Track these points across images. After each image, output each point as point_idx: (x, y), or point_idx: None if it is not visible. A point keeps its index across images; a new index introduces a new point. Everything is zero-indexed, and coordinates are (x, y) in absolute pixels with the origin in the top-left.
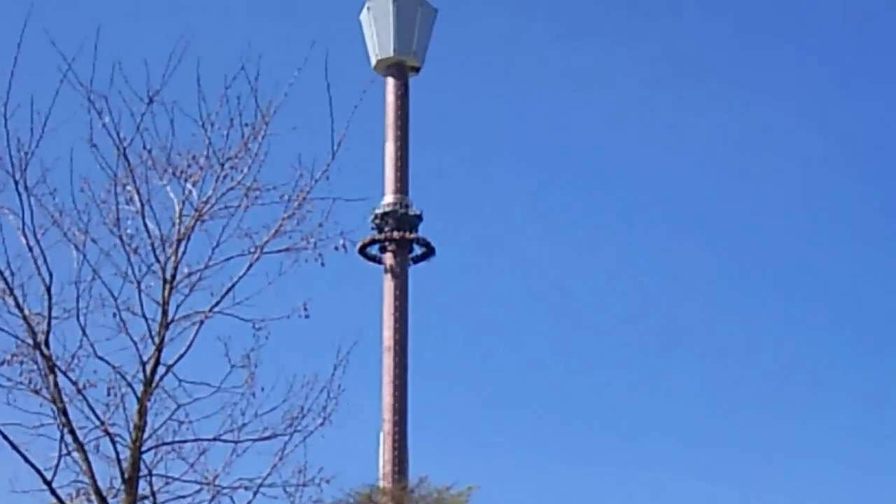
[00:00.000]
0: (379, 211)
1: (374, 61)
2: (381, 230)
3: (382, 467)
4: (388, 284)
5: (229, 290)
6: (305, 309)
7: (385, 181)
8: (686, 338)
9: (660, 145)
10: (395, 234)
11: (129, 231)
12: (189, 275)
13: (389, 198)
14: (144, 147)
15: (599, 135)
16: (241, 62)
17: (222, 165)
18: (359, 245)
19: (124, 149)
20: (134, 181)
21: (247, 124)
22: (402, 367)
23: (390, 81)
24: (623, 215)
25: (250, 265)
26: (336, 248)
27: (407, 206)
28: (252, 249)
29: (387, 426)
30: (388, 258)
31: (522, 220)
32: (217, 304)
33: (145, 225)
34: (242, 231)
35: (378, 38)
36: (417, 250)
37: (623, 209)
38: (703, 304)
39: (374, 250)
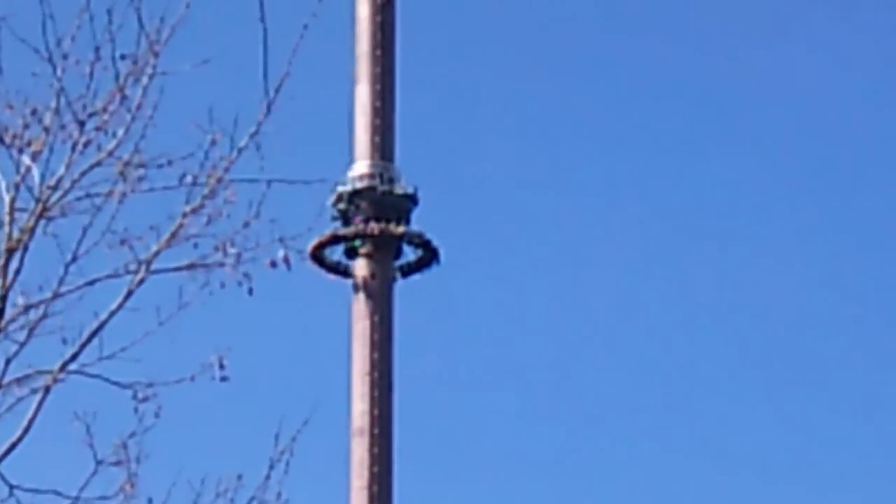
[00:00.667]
0: (344, 189)
1: None
2: (347, 220)
3: None
4: (360, 313)
5: (94, 334)
6: (222, 366)
7: (354, 143)
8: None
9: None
10: (372, 227)
11: None
12: (26, 309)
13: (362, 167)
14: None
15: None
16: None
17: (81, 125)
18: (311, 246)
19: None
20: None
21: (123, 57)
22: (383, 459)
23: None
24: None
25: (129, 293)
26: (273, 265)
27: (391, 181)
28: (132, 266)
29: None
30: (361, 267)
31: (569, 195)
32: (73, 357)
33: None
34: (116, 236)
35: None
36: (408, 253)
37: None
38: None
39: (335, 254)
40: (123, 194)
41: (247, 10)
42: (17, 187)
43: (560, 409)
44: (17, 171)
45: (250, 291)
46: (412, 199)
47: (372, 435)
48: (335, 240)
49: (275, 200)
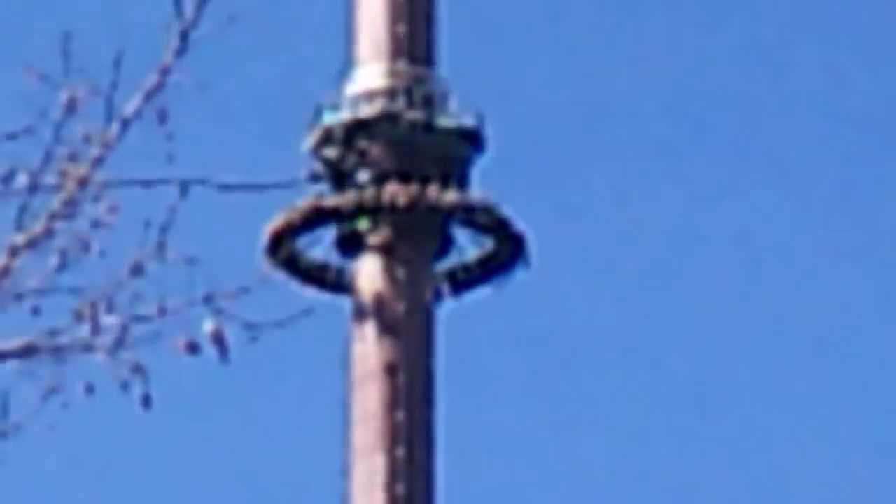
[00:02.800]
0: (337, 119)
1: None
2: (341, 179)
3: None
4: (370, 353)
5: None
6: None
7: (356, 31)
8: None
9: None
10: (395, 192)
11: None
12: None
13: (373, 74)
14: None
15: None
16: None
17: None
18: (270, 229)
19: None
20: None
21: None
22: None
23: None
24: None
25: None
26: (191, 349)
27: (429, 101)
28: None
29: None
30: (368, 272)
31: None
32: None
33: None
34: None
35: None
36: (466, 245)
37: None
38: None
39: (317, 246)
40: None
41: None
42: None
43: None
44: None
45: (146, 401)
46: (473, 140)
47: None
48: (317, 217)
49: (196, 223)
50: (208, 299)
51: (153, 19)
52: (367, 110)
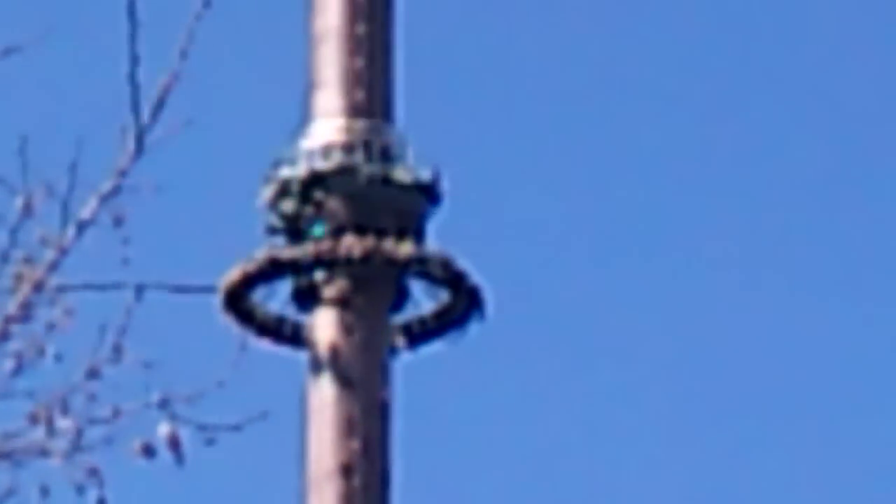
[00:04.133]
0: (295, 172)
1: None
2: (297, 233)
3: None
4: (326, 409)
5: None
6: None
7: (315, 86)
8: None
9: None
10: (351, 245)
11: None
12: None
13: (330, 129)
14: None
15: None
16: None
17: None
18: (227, 283)
19: None
20: None
21: None
22: None
23: None
24: None
25: None
26: (146, 452)
27: (386, 153)
28: None
29: None
30: (325, 326)
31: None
32: None
33: None
34: None
35: None
36: (421, 298)
37: None
38: None
39: (273, 299)
40: None
41: None
42: None
43: None
44: None
45: None
46: (429, 194)
47: None
48: (274, 269)
49: (152, 326)
50: (164, 403)
51: (109, 123)
52: (324, 163)
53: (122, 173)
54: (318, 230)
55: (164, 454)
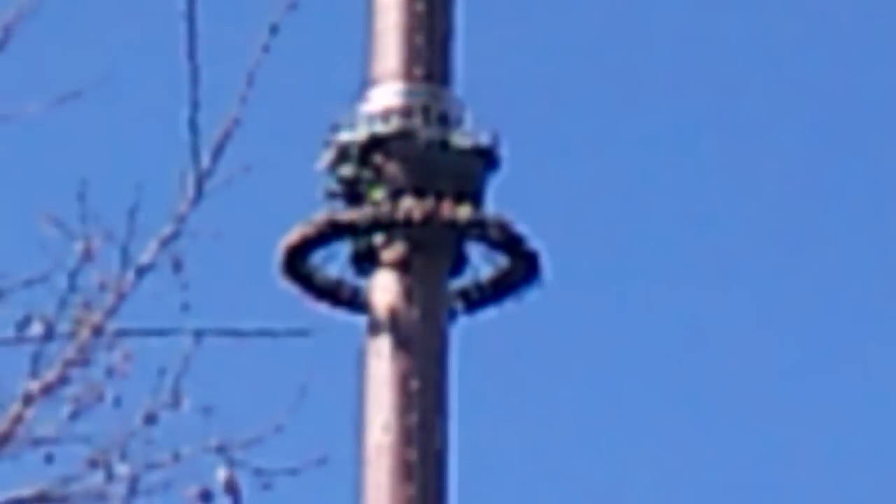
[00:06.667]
0: (354, 136)
1: None
2: (355, 195)
3: None
4: (383, 369)
5: None
6: None
7: (373, 51)
8: None
9: None
10: (410, 208)
11: None
12: None
13: (389, 93)
14: None
15: None
16: None
17: None
18: (285, 246)
19: None
20: None
21: None
22: None
23: None
24: None
25: None
26: (204, 499)
27: (444, 119)
28: None
29: None
30: (383, 287)
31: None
32: None
33: None
34: None
35: None
36: (479, 262)
37: None
38: None
39: (332, 263)
40: None
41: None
42: None
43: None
44: None
45: None
46: (488, 158)
47: None
48: (333, 232)
49: (210, 371)
50: (221, 448)
51: (169, 168)
52: (384, 127)
53: (182, 218)
54: (378, 193)
55: (222, 500)
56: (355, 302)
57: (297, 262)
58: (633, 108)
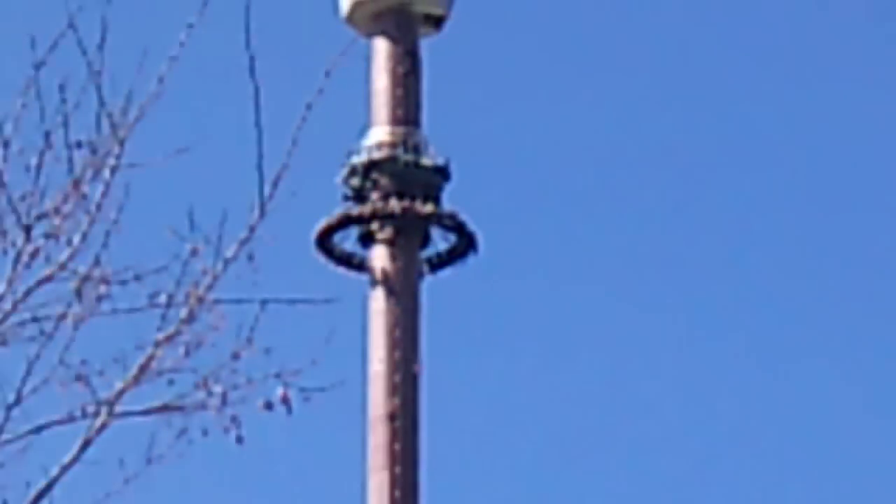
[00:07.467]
0: (359, 160)
1: (347, 6)
2: (362, 199)
3: None
4: (379, 313)
5: (42, 495)
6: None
7: (372, 104)
8: None
9: None
10: (394, 206)
11: None
12: None
13: (381, 133)
14: None
15: None
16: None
17: (27, 231)
18: (317, 231)
19: None
20: None
21: (80, 144)
22: (408, 493)
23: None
24: None
25: (87, 442)
26: (268, 407)
27: (416, 150)
28: (90, 408)
29: None
30: (379, 257)
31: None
32: None
33: None
34: (71, 370)
35: None
36: (438, 241)
37: None
38: None
39: (347, 241)
40: (80, 318)
41: (234, 86)
42: None
43: (598, 419)
44: None
45: (239, 440)
46: (443, 173)
47: (392, 475)
48: (347, 222)
49: (271, 326)
50: (278, 374)
51: (245, 194)
52: (377, 154)
53: (252, 228)
54: (375, 196)
55: (279, 408)
56: (362, 267)
57: (325, 242)
58: (567, 138)
